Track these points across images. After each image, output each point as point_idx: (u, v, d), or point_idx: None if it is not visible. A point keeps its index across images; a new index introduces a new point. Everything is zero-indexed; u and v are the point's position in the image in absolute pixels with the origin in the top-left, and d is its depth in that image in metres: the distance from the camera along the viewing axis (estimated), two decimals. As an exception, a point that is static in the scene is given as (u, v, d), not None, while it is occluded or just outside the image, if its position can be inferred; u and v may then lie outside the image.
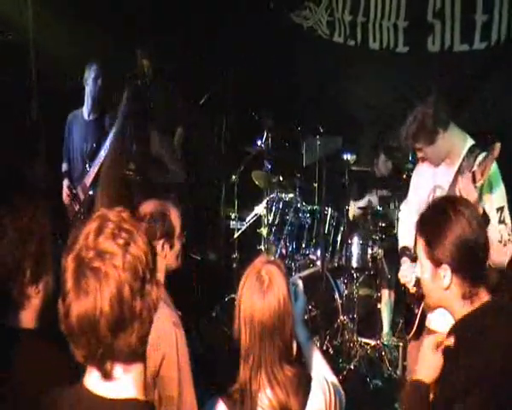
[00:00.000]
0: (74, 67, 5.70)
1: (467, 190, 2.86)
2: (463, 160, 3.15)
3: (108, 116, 5.12)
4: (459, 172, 3.13)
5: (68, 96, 5.74)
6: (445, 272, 2.08)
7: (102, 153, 4.89)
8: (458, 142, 3.21)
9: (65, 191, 5.16)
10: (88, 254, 1.35)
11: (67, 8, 5.78)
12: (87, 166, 5.01)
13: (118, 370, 1.41)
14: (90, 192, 5.00)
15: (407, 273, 3.33)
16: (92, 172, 4.98)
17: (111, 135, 4.78)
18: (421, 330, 3.32)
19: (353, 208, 5.75)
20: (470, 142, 3.22)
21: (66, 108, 5.65)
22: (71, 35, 5.75)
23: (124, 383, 1.42)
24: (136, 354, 1.42)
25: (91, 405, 1.41)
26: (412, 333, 3.35)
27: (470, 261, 2.06)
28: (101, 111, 5.14)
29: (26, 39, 5.86)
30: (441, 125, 3.12)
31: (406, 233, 3.58)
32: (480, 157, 3.01)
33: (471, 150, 3.15)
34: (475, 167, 2.91)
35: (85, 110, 5.14)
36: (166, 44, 6.05)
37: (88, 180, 5.01)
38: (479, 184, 2.85)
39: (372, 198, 5.59)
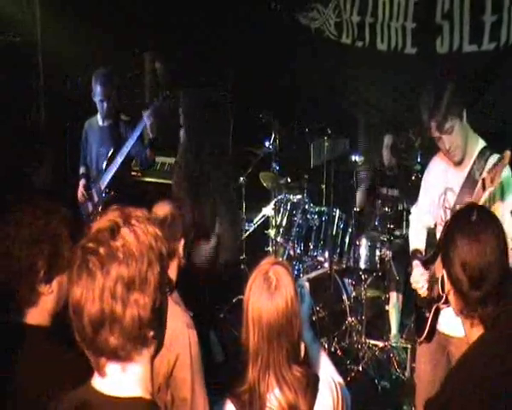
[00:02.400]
0: (79, 68, 5.74)
1: (477, 196, 2.85)
2: (474, 162, 3.13)
3: (123, 122, 5.17)
4: (470, 174, 3.12)
5: (71, 97, 5.77)
6: (445, 276, 2.11)
7: (119, 158, 4.94)
8: (471, 142, 3.18)
9: (80, 190, 5.19)
10: (88, 244, 1.39)
11: (73, 11, 5.82)
12: (103, 169, 5.05)
13: (112, 367, 1.41)
14: (104, 195, 5.04)
15: (418, 279, 3.31)
16: (107, 176, 5.02)
17: (130, 141, 4.84)
18: (432, 333, 3.31)
19: (360, 197, 5.75)
20: (482, 143, 3.19)
21: (69, 109, 5.68)
22: (76, 37, 5.78)
23: (125, 381, 1.42)
24: (122, 356, 1.40)
25: (97, 403, 1.42)
26: (424, 337, 3.34)
27: (463, 282, 2.03)
28: (115, 117, 5.15)
29: (32, 41, 5.91)
30: (459, 106, 3.08)
31: (417, 236, 3.57)
32: (490, 163, 3.00)
33: (482, 152, 3.14)
34: (485, 174, 2.90)
35: (100, 117, 5.15)
36: (169, 45, 6.07)
37: (103, 184, 5.06)
38: (489, 191, 2.84)
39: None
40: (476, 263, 2.01)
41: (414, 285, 3.35)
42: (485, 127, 3.31)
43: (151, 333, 1.43)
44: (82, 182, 5.23)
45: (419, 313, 3.41)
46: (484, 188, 2.86)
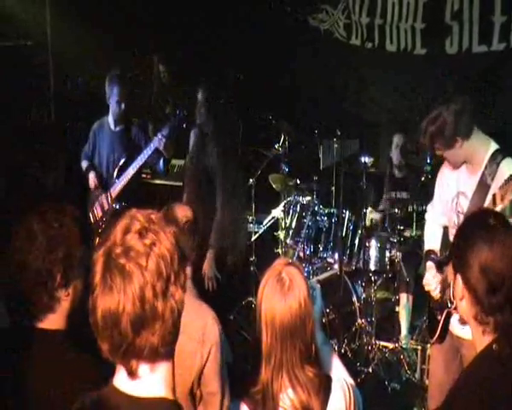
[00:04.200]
0: (80, 68, 5.77)
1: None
2: (486, 167, 3.10)
3: (135, 126, 5.15)
4: (482, 179, 3.10)
5: (71, 97, 5.79)
6: (459, 282, 2.08)
7: (131, 170, 4.90)
8: (481, 148, 3.14)
9: (93, 180, 5.10)
10: (115, 250, 1.38)
11: (74, 12, 5.84)
12: (114, 176, 5.02)
13: (143, 368, 1.41)
14: (115, 206, 5.00)
15: (431, 282, 3.29)
16: (120, 185, 4.97)
17: (143, 155, 4.80)
18: (444, 334, 3.30)
19: (371, 214, 5.73)
20: (493, 147, 3.15)
21: (69, 109, 5.69)
22: (78, 38, 5.81)
23: (151, 381, 1.43)
24: (160, 354, 1.42)
25: (119, 403, 1.42)
26: (435, 338, 3.32)
27: (481, 286, 2.00)
28: (126, 121, 5.12)
29: (42, 43, 5.94)
30: (460, 134, 3.06)
31: (433, 235, 3.55)
32: (502, 168, 2.99)
33: (494, 156, 3.10)
34: (496, 190, 2.88)
35: (111, 121, 5.10)
36: (169, 46, 6.08)
37: (114, 192, 5.01)
38: (499, 207, 2.82)
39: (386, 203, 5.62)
40: (497, 267, 1.98)
41: (426, 288, 3.33)
42: (485, 127, 3.28)
43: (180, 327, 1.45)
44: (92, 174, 5.12)
45: (432, 313, 3.39)
46: (494, 204, 2.84)
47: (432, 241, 3.52)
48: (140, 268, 1.36)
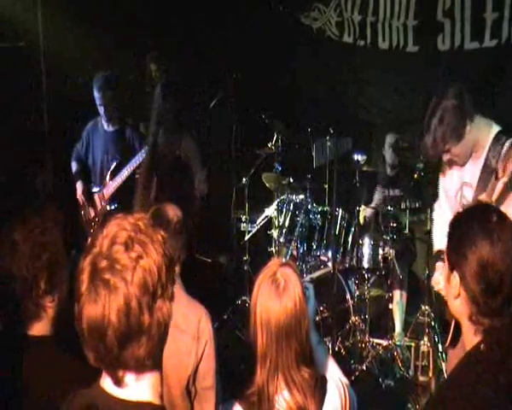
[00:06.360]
0: (79, 70, 5.75)
1: (492, 187, 2.78)
2: (489, 150, 3.00)
3: (129, 127, 5.14)
4: (486, 164, 3.00)
5: (71, 97, 5.76)
6: (455, 279, 1.96)
7: (125, 172, 4.91)
8: (483, 131, 3.04)
9: (79, 196, 5.15)
10: (101, 263, 1.35)
11: (73, 13, 5.82)
12: (107, 177, 5.03)
13: (129, 377, 1.40)
14: (109, 207, 5.03)
15: (439, 281, 3.22)
16: (113, 186, 5.00)
17: (141, 152, 4.78)
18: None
19: (364, 212, 5.74)
20: (496, 128, 3.04)
21: (69, 109, 5.68)
22: (77, 38, 5.78)
23: (138, 388, 1.42)
24: (147, 366, 1.40)
25: (106, 405, 1.41)
26: (449, 342, 3.23)
27: (479, 285, 1.90)
28: (120, 122, 5.12)
29: (34, 43, 5.90)
30: (468, 116, 2.97)
31: (440, 235, 3.42)
32: (506, 148, 2.89)
33: (497, 138, 2.99)
34: (498, 164, 2.81)
35: (104, 121, 5.12)
36: (169, 46, 6.06)
37: (107, 192, 5.03)
38: (503, 181, 2.75)
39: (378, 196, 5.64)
40: (497, 265, 1.88)
41: (436, 287, 3.27)
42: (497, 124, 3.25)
43: (167, 336, 1.43)
44: (79, 186, 5.18)
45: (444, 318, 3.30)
46: (497, 178, 2.77)
47: (441, 240, 3.39)
48: (125, 283, 1.33)
